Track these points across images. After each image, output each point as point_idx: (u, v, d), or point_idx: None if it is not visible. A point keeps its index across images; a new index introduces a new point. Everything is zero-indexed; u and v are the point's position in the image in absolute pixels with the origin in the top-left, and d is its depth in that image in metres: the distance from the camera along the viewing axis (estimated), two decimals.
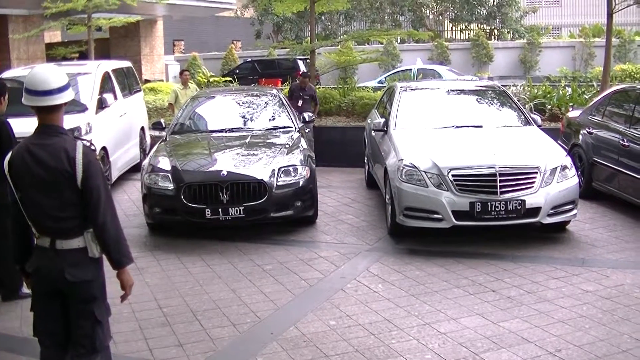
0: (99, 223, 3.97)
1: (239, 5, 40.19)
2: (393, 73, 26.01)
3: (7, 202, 4.17)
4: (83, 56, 21.69)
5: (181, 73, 15.29)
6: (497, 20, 40.21)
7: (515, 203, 7.81)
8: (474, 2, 39.19)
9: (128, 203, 11.01)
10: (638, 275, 7.03)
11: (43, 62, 22.07)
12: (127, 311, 6.32)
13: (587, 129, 10.38)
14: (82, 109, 11.07)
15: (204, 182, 8.54)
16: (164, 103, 17.64)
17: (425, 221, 8.14)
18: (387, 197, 8.78)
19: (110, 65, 13.44)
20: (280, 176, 8.70)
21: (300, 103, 13.40)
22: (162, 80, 27.87)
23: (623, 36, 30.20)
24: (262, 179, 8.56)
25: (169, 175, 8.73)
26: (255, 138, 9.90)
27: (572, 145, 10.66)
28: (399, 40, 35.26)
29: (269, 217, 8.67)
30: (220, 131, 10.25)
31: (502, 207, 7.79)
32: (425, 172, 8.09)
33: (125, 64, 14.71)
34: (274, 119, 10.84)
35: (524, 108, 10.79)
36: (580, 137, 10.50)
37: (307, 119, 11.23)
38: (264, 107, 11.34)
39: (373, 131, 10.36)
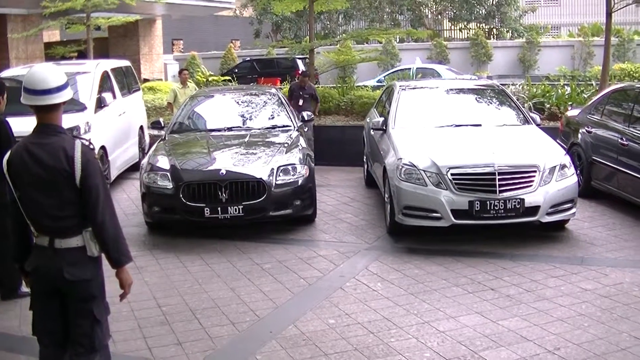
0: (97, 222, 3.97)
1: (238, 5, 40.19)
2: (392, 72, 25.99)
3: (6, 201, 4.17)
4: (82, 55, 21.69)
5: (180, 72, 15.29)
6: (496, 19, 40.22)
7: (514, 202, 7.81)
8: (473, 1, 39.18)
9: (127, 202, 11.01)
10: (637, 274, 7.03)
11: (42, 62, 22.05)
12: (126, 310, 6.32)
13: (586, 128, 10.38)
14: (81, 108, 11.07)
15: (203, 181, 8.54)
16: (163, 102, 17.65)
17: (424, 220, 8.14)
18: (386, 195, 8.78)
19: (109, 64, 13.44)
20: (279, 175, 8.70)
21: (301, 102, 13.39)
22: (161, 80, 27.88)
23: (622, 35, 30.20)
24: (261, 178, 8.56)
25: (168, 174, 8.73)
26: (254, 137, 9.90)
27: (571, 144, 10.66)
28: (398, 40, 35.30)
29: (268, 216, 8.67)
30: (219, 130, 10.25)
31: (501, 205, 7.79)
32: (424, 170, 8.10)
33: (124, 63, 14.71)
34: (273, 118, 10.85)
35: (523, 107, 10.79)
36: (579, 136, 10.51)
37: (306, 118, 11.23)
38: (263, 106, 11.34)
39: (372, 130, 10.37)
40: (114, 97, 12.49)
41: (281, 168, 8.77)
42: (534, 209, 7.92)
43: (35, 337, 4.21)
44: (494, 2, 39.65)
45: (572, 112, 11.55)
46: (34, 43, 24.42)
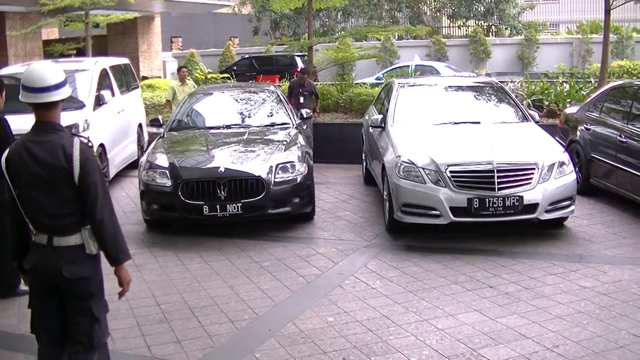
0: (96, 220, 3.97)
1: (237, 2, 40.20)
2: (391, 69, 25.99)
3: (5, 200, 4.17)
4: (80, 53, 21.64)
5: (179, 70, 15.28)
6: (495, 16, 40.24)
7: (513, 199, 7.81)
8: None
9: (126, 200, 11.00)
10: (636, 271, 7.03)
11: (40, 59, 22.06)
12: (125, 308, 6.32)
13: (585, 125, 10.38)
14: (80, 105, 11.06)
15: (202, 178, 8.54)
16: (162, 100, 17.64)
17: (423, 217, 8.14)
18: (385, 193, 8.78)
19: (107, 62, 13.43)
20: (277, 173, 8.70)
21: (302, 100, 13.37)
22: (159, 77, 27.88)
23: (621, 32, 30.20)
24: (259, 176, 8.55)
25: (167, 172, 8.72)
26: (252, 135, 9.89)
27: (570, 142, 10.66)
28: (396, 37, 35.26)
29: (266, 213, 8.67)
30: (218, 128, 10.24)
31: (500, 203, 7.79)
32: (423, 168, 8.09)
33: (123, 60, 14.70)
34: (271, 115, 10.84)
35: (522, 104, 10.79)
36: (578, 133, 10.51)
37: (304, 116, 11.22)
38: (262, 103, 11.33)
39: (371, 127, 10.36)
40: (113, 94, 12.48)
41: (280, 166, 8.77)
42: (533, 207, 7.92)
43: (34, 335, 4.21)
44: (493, 0, 39.64)
45: (571, 110, 11.54)
46: (33, 40, 24.40)
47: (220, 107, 11.32)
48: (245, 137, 9.75)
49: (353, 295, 6.61)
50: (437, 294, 6.57)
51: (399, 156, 8.39)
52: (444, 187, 7.93)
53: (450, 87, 10.98)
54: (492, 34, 38.76)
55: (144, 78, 25.09)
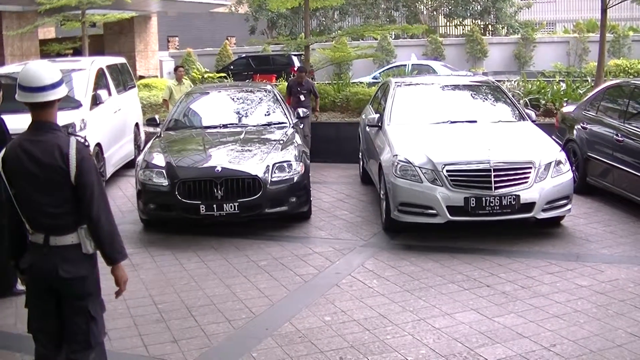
0: (93, 219, 3.96)
1: (234, 1, 40.18)
2: (387, 69, 26.00)
3: (1, 199, 4.16)
4: (77, 52, 21.65)
5: (176, 69, 15.27)
6: (492, 15, 40.26)
7: (510, 198, 7.82)
8: None
9: (122, 199, 10.99)
10: (632, 270, 7.04)
11: (37, 59, 22.03)
12: (122, 307, 6.31)
13: (582, 124, 10.39)
14: (76, 105, 11.04)
15: (199, 178, 8.53)
16: (159, 99, 17.62)
17: (420, 216, 8.14)
18: (382, 192, 8.78)
19: (104, 61, 13.41)
20: (274, 172, 8.69)
21: (302, 98, 13.35)
22: (156, 77, 27.85)
23: (617, 31, 30.21)
24: (256, 175, 8.55)
25: (164, 171, 8.72)
26: (249, 134, 9.89)
27: (567, 141, 10.67)
28: (393, 36, 35.27)
29: (263, 213, 8.67)
30: (215, 127, 10.24)
31: (497, 202, 7.80)
32: (419, 167, 8.10)
33: (120, 60, 14.69)
34: (268, 114, 10.84)
35: (519, 103, 10.80)
36: (575, 132, 10.52)
37: (301, 115, 11.22)
38: (259, 103, 11.33)
39: (367, 127, 10.37)
40: (110, 94, 12.46)
41: (277, 165, 8.77)
42: (530, 206, 7.92)
43: (31, 335, 4.20)
44: None
45: (568, 109, 11.55)
46: (29, 40, 24.39)
47: (217, 106, 11.31)
48: (242, 136, 9.75)
49: (350, 294, 6.61)
50: (434, 293, 6.57)
51: (396, 155, 8.39)
52: (441, 186, 7.94)
53: (447, 86, 10.98)
54: (488, 33, 38.80)
55: (141, 77, 25.07)
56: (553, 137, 10.07)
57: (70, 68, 11.83)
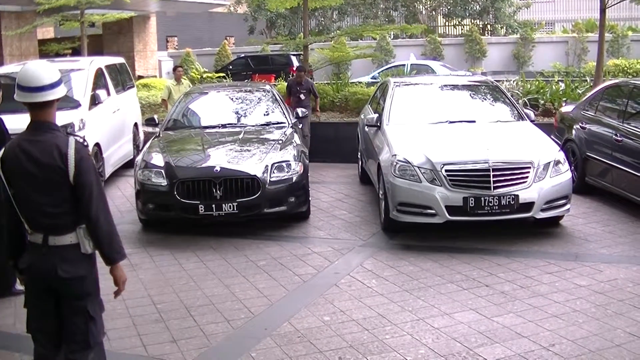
0: (91, 219, 3.96)
1: (232, 1, 40.18)
2: (386, 68, 25.98)
3: (0, 199, 4.16)
4: (76, 52, 21.64)
5: (174, 69, 15.27)
6: (490, 15, 40.25)
7: (509, 198, 7.82)
8: None
9: (121, 199, 10.99)
10: (631, 270, 7.04)
11: (36, 59, 22.03)
12: (121, 307, 6.31)
13: (580, 124, 10.39)
14: (75, 105, 11.03)
15: (198, 178, 8.53)
16: (157, 99, 17.62)
17: (419, 216, 8.14)
18: (381, 192, 8.78)
19: (103, 61, 13.40)
20: (273, 172, 8.69)
21: (302, 97, 13.34)
22: (155, 77, 27.84)
23: (616, 31, 30.22)
24: (255, 175, 8.55)
25: (163, 171, 8.72)
26: (248, 134, 9.88)
27: (566, 140, 10.67)
28: (392, 36, 35.27)
29: (262, 212, 8.66)
30: (214, 127, 10.23)
31: (496, 202, 7.80)
32: (418, 167, 8.10)
33: (119, 60, 14.68)
34: (267, 114, 10.83)
35: (517, 103, 10.80)
36: (574, 132, 10.52)
37: (300, 115, 11.22)
38: (257, 103, 11.32)
39: (366, 127, 10.36)
40: (108, 94, 12.45)
41: (275, 165, 8.76)
42: (529, 205, 7.93)
43: (30, 335, 4.20)
44: None
45: (567, 108, 11.55)
46: (28, 40, 24.38)
47: (216, 106, 11.31)
48: (240, 136, 9.74)
49: (349, 294, 6.61)
50: (433, 292, 6.57)
51: (395, 155, 8.39)
52: (440, 186, 7.94)
53: (445, 86, 10.97)
54: (487, 33, 38.79)
55: (140, 77, 25.07)
56: (552, 136, 10.08)
57: (69, 68, 11.83)
